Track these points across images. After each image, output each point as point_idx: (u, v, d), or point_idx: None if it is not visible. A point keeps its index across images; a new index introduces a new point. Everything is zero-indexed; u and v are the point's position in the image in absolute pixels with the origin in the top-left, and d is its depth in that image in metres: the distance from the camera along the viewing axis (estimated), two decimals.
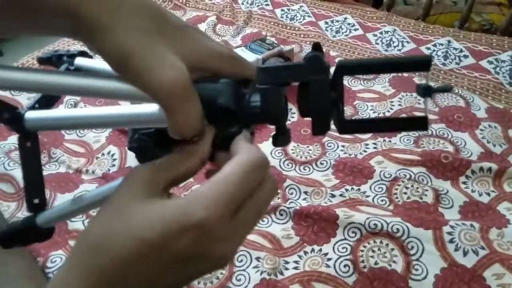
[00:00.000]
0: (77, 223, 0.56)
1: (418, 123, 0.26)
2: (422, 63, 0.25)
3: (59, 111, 0.33)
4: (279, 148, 0.68)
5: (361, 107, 0.77)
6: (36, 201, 0.34)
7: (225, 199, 0.23)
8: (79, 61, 0.40)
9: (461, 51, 0.93)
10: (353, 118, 0.28)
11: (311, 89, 0.26)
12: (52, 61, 0.42)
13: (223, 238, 0.23)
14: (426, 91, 0.25)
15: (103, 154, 0.69)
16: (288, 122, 0.77)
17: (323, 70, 0.25)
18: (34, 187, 0.35)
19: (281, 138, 0.28)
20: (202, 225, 0.22)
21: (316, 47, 0.27)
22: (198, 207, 0.22)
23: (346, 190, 0.61)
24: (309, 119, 0.27)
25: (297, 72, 0.26)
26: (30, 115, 0.32)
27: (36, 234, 0.35)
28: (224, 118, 0.27)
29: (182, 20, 0.27)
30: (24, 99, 0.79)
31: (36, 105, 0.37)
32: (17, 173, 0.64)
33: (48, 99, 0.38)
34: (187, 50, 0.25)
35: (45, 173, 0.64)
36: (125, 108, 0.30)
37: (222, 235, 0.23)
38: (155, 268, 0.23)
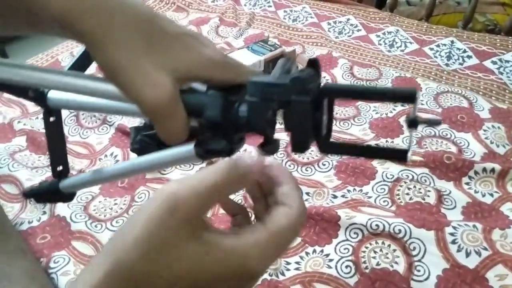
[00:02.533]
0: (80, 224, 0.57)
1: (399, 155, 0.26)
2: (407, 96, 0.25)
3: (78, 95, 0.35)
4: (281, 149, 0.68)
5: (363, 108, 0.77)
6: (59, 168, 0.39)
7: (278, 255, 0.26)
8: None
9: (464, 51, 0.93)
10: (338, 141, 0.29)
11: (292, 109, 0.26)
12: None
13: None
14: (412, 123, 0.25)
15: (105, 156, 0.69)
16: None
17: (304, 92, 0.26)
18: (58, 156, 0.39)
19: (269, 148, 0.29)
20: (256, 276, 0.25)
21: (312, 63, 0.28)
22: (256, 262, 0.24)
23: (348, 191, 0.61)
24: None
25: (281, 91, 0.26)
26: (52, 94, 0.35)
27: (59, 196, 0.39)
28: (213, 128, 0.28)
29: (178, 28, 0.27)
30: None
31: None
32: (21, 174, 0.64)
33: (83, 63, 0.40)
34: (178, 62, 0.26)
35: (48, 174, 0.65)
36: None
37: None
38: None
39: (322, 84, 0.27)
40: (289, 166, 0.66)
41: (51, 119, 0.37)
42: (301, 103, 0.26)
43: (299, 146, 0.27)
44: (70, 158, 0.68)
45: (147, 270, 0.23)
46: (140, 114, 0.28)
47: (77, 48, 0.97)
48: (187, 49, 0.27)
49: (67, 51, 0.98)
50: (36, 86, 0.34)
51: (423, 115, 0.73)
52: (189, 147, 0.30)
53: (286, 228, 0.26)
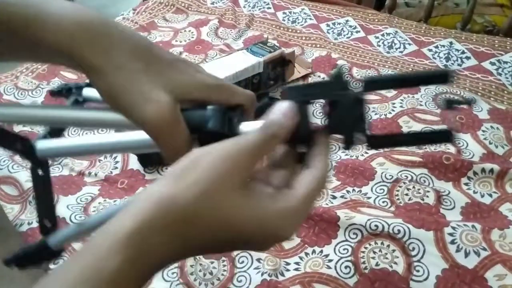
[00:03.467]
0: None
1: (443, 137, 0.28)
2: (441, 76, 0.26)
3: (68, 140, 0.36)
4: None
5: None
6: (48, 224, 0.37)
7: (304, 218, 0.28)
8: (87, 91, 0.43)
9: (463, 52, 0.93)
10: (379, 134, 0.30)
11: (339, 106, 0.27)
12: (63, 93, 0.46)
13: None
14: (449, 103, 0.27)
15: (105, 157, 0.69)
16: None
17: (349, 87, 0.27)
18: (46, 210, 0.38)
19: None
20: (282, 240, 0.27)
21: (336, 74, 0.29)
22: (291, 229, 0.26)
23: (348, 191, 0.61)
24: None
25: (323, 90, 0.27)
26: (41, 145, 0.34)
27: (48, 255, 0.38)
28: (214, 141, 0.29)
29: (172, 54, 0.30)
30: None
31: (47, 135, 0.40)
32: (21, 176, 0.64)
33: (58, 129, 0.41)
34: (175, 84, 0.28)
35: None
36: (131, 134, 0.32)
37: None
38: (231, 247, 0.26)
39: (363, 79, 0.28)
40: None
41: (40, 172, 0.36)
42: (347, 97, 0.27)
43: (349, 140, 0.28)
44: (69, 160, 0.69)
45: (200, 208, 0.23)
46: (132, 147, 0.29)
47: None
48: (183, 73, 0.29)
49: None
50: (41, 123, 0.34)
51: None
52: None
53: (315, 192, 0.27)
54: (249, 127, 0.30)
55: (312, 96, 0.28)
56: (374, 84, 0.27)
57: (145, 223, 0.22)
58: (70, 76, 0.88)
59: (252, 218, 0.25)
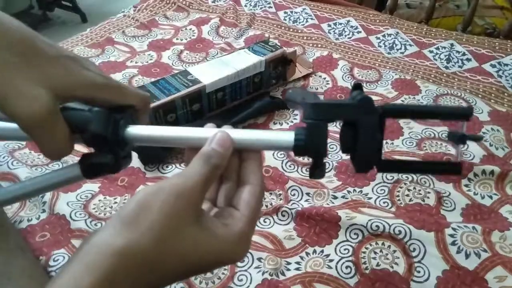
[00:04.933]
0: (80, 223, 0.57)
1: (452, 169, 0.28)
2: (463, 114, 0.27)
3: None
4: None
5: None
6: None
7: (253, 233, 0.29)
8: None
9: (464, 54, 0.93)
10: (389, 159, 0.31)
11: (360, 129, 0.27)
12: None
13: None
14: (461, 140, 0.27)
15: None
16: (290, 124, 0.77)
17: (373, 112, 0.27)
18: None
19: (318, 171, 0.29)
20: (240, 259, 0.29)
21: (358, 86, 0.29)
22: (245, 250, 0.28)
23: (348, 191, 0.61)
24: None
25: (348, 111, 0.27)
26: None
27: None
28: (98, 143, 0.30)
29: (59, 50, 0.28)
30: None
31: None
32: (20, 172, 0.64)
33: None
34: (57, 80, 0.27)
35: (48, 172, 0.64)
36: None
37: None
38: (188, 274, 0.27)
39: (383, 105, 0.28)
40: (289, 166, 0.66)
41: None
42: (369, 122, 0.27)
43: (363, 165, 0.28)
44: (69, 157, 0.68)
45: (159, 253, 0.24)
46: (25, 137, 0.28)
47: (78, 47, 0.97)
48: (66, 70, 0.28)
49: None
50: None
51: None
52: (74, 166, 0.30)
53: (257, 208, 0.29)
54: (136, 131, 0.30)
55: (336, 117, 0.28)
56: (393, 112, 0.28)
57: (107, 277, 0.22)
58: None
59: (209, 251, 0.26)
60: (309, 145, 0.28)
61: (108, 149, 0.30)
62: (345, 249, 0.52)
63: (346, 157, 0.67)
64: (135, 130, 0.30)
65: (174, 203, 0.25)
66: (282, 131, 0.29)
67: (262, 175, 0.30)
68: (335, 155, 0.67)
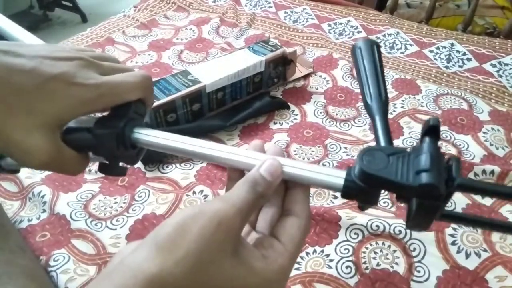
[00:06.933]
0: (80, 222, 0.57)
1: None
2: None
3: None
4: (283, 149, 0.68)
5: (363, 109, 0.77)
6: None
7: (293, 267, 0.27)
8: None
9: (464, 54, 0.93)
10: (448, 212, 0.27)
11: (416, 210, 0.24)
12: None
13: None
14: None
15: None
16: (290, 124, 0.77)
17: (436, 199, 0.23)
18: None
19: (368, 206, 0.28)
20: None
21: (432, 129, 0.25)
22: (283, 286, 0.26)
23: None
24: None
25: (403, 191, 0.24)
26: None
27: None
28: (110, 160, 0.31)
29: (38, 77, 0.26)
30: None
31: None
32: (21, 172, 0.64)
33: None
34: (48, 114, 0.27)
35: (48, 172, 0.64)
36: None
37: None
38: None
39: (458, 181, 0.24)
40: None
41: None
42: (428, 207, 0.24)
43: (418, 226, 0.26)
44: None
45: (192, 284, 0.22)
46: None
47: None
48: (52, 97, 0.27)
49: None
50: None
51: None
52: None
53: (301, 244, 0.27)
54: (144, 132, 0.30)
55: (386, 189, 0.25)
56: (466, 188, 0.24)
57: None
58: None
59: (245, 287, 0.24)
60: (359, 198, 0.26)
61: (121, 160, 0.32)
62: (345, 249, 0.52)
63: (347, 156, 0.67)
64: (143, 132, 0.30)
65: (215, 231, 0.23)
66: (335, 169, 0.27)
67: (309, 207, 0.28)
68: (335, 155, 0.67)
